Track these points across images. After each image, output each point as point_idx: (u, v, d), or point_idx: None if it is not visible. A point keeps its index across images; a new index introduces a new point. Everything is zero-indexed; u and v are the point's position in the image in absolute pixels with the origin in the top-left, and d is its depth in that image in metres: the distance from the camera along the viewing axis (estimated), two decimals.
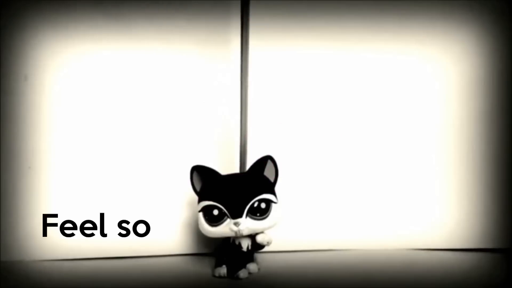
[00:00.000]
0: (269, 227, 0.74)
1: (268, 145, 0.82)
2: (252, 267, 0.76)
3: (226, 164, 0.83)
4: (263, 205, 0.73)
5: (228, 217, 0.72)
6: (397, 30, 0.86)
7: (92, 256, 0.82)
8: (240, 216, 0.72)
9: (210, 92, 0.85)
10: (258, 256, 0.80)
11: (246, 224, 0.72)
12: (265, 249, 0.76)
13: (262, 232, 0.75)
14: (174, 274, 0.77)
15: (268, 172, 0.76)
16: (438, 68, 0.87)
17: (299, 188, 0.86)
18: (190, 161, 0.76)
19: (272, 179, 0.76)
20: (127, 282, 0.74)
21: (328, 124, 0.87)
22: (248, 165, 0.79)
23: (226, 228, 0.72)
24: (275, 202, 0.74)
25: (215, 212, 0.73)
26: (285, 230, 0.81)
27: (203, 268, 0.79)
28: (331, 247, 0.87)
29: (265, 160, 0.76)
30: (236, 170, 0.81)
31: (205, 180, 0.75)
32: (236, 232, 0.72)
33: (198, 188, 0.76)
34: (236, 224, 0.72)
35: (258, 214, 0.73)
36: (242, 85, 0.80)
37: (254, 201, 0.72)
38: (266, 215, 0.73)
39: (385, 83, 0.88)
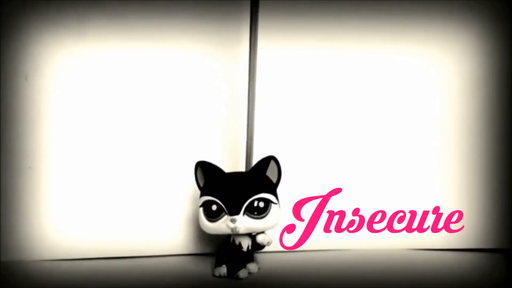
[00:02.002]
0: (266, 228, 0.74)
1: (274, 145, 0.82)
2: (252, 267, 0.76)
3: (232, 164, 0.83)
4: (261, 204, 0.73)
5: (225, 213, 0.72)
6: (397, 30, 0.86)
7: (92, 256, 0.82)
8: (237, 213, 0.72)
9: (218, 91, 0.85)
10: (258, 256, 0.80)
11: (243, 222, 0.72)
12: (265, 249, 0.76)
13: (262, 232, 0.75)
14: (174, 274, 0.77)
15: (271, 172, 0.76)
16: (438, 68, 0.87)
17: (300, 188, 0.86)
18: (187, 161, 0.77)
19: (274, 180, 0.76)
20: (127, 282, 0.74)
21: (330, 124, 0.87)
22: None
23: (223, 224, 0.72)
24: (274, 203, 0.74)
25: (214, 207, 0.73)
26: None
27: (203, 268, 0.79)
28: (331, 247, 0.87)
29: (268, 160, 0.75)
30: (242, 169, 0.81)
31: (208, 176, 0.75)
32: (232, 229, 0.72)
33: (201, 183, 0.76)
34: (232, 220, 0.72)
35: (255, 213, 0.73)
36: (249, 85, 0.80)
37: (252, 200, 0.72)
38: (264, 214, 0.73)
39: (386, 83, 0.88)
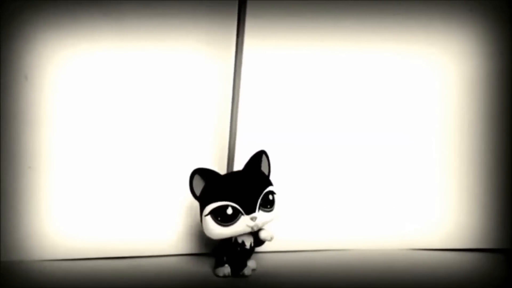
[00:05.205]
0: (275, 218, 0.75)
1: (261, 145, 0.81)
2: (252, 264, 0.76)
3: (213, 163, 0.83)
4: (271, 197, 0.74)
5: (242, 214, 0.72)
6: (397, 30, 0.86)
7: (92, 256, 0.82)
8: (254, 210, 0.72)
9: (203, 92, 0.85)
10: (257, 255, 0.80)
11: (260, 218, 0.73)
12: (265, 248, 0.76)
13: (262, 229, 0.75)
14: (174, 274, 0.77)
15: (263, 167, 0.77)
16: (438, 68, 0.88)
17: (299, 188, 0.86)
18: (184, 160, 0.77)
19: (266, 173, 0.77)
20: (127, 282, 0.74)
21: (327, 124, 0.87)
22: (235, 164, 0.79)
23: (241, 225, 0.72)
24: (275, 194, 0.75)
25: (229, 211, 0.72)
26: (285, 230, 0.81)
27: (203, 268, 0.79)
28: (331, 247, 0.87)
29: (260, 155, 0.77)
30: (223, 168, 0.81)
31: (207, 182, 0.74)
32: (252, 227, 0.72)
33: (198, 192, 0.74)
34: (253, 218, 0.72)
35: (268, 206, 0.74)
36: (234, 85, 0.80)
37: (264, 194, 0.73)
38: (273, 206, 0.74)
39: (385, 83, 0.88)
